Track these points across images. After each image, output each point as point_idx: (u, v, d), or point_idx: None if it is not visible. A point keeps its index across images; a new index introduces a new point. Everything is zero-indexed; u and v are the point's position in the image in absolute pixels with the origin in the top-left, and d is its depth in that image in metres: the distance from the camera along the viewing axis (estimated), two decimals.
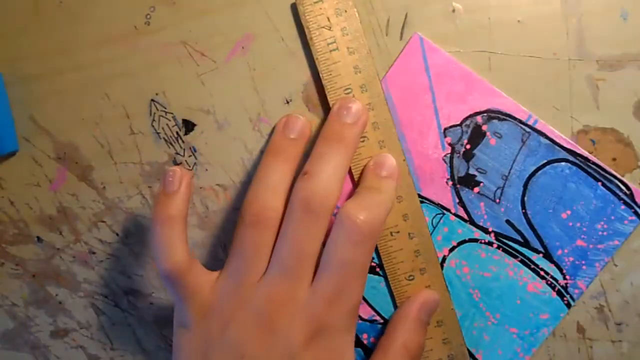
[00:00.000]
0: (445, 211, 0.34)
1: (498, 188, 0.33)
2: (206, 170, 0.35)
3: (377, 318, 0.35)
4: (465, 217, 0.34)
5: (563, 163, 0.33)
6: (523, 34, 0.32)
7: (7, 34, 0.35)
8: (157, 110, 0.35)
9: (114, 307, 0.37)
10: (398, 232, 0.33)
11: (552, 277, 0.34)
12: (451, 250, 0.34)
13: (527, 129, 0.33)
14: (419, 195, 0.34)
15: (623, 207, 0.32)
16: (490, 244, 0.34)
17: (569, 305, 0.34)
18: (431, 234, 0.34)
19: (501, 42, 0.32)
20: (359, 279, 0.30)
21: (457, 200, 0.34)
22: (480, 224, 0.34)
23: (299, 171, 0.30)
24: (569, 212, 0.33)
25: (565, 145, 0.32)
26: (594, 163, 0.32)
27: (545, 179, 0.33)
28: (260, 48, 0.34)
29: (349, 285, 0.29)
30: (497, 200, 0.33)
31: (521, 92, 0.32)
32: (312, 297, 0.29)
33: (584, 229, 0.33)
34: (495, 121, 0.33)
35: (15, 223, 0.36)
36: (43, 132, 0.35)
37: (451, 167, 0.34)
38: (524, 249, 0.34)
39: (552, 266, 0.33)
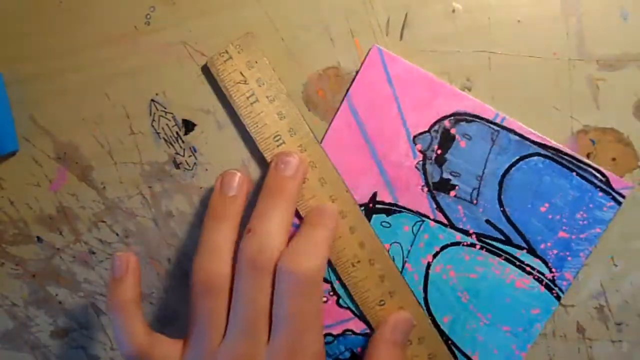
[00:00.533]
0: (424, 218, 0.34)
1: (474, 189, 0.33)
2: (206, 170, 0.35)
3: (369, 331, 0.35)
4: (445, 221, 0.34)
5: (535, 157, 0.33)
6: (523, 34, 0.32)
7: (7, 34, 0.35)
8: (157, 110, 0.35)
9: None
10: (358, 261, 0.34)
11: (538, 271, 0.34)
12: (435, 255, 0.34)
13: (496, 128, 0.33)
14: (397, 205, 0.34)
15: (600, 194, 0.32)
16: (472, 245, 0.34)
17: (558, 298, 0.34)
18: (413, 242, 0.34)
19: (501, 42, 0.32)
20: (314, 326, 0.30)
21: (435, 206, 0.34)
22: (461, 226, 0.34)
23: (245, 225, 0.31)
24: (547, 205, 0.33)
25: (535, 139, 0.32)
26: (566, 154, 0.32)
27: (519, 175, 0.33)
28: (260, 48, 0.34)
29: (305, 335, 0.29)
30: (475, 202, 0.34)
31: (521, 92, 0.32)
32: (272, 354, 0.29)
33: (564, 220, 0.33)
34: (463, 123, 0.33)
35: (15, 223, 0.36)
36: (43, 132, 0.35)
37: (425, 173, 0.34)
38: (507, 246, 0.34)
39: (537, 261, 0.34)
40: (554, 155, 0.32)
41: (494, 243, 0.34)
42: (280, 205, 0.31)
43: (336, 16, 0.33)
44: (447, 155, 0.33)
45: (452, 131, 0.33)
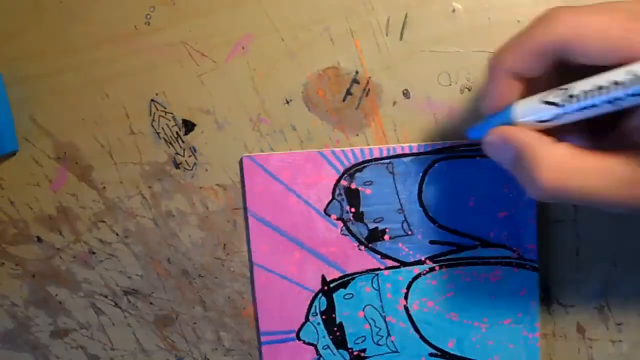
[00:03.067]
0: (376, 272, 0.35)
1: (402, 222, 0.34)
2: (206, 170, 0.35)
3: None
4: (397, 264, 0.34)
5: (436, 165, 0.33)
6: None
7: (7, 34, 0.35)
8: (157, 110, 0.35)
9: (114, 307, 0.37)
10: None
11: (502, 258, 0.34)
12: (406, 297, 0.35)
13: (386, 161, 0.33)
14: (347, 275, 0.35)
15: None
16: (432, 270, 0.34)
17: (536, 269, 0.34)
18: (380, 297, 0.35)
19: (501, 42, 0.32)
20: None
21: (380, 256, 0.34)
22: (412, 260, 0.34)
23: None
24: (473, 198, 0.33)
25: (425, 149, 0.33)
26: (458, 145, 0.33)
27: (433, 187, 0.33)
28: (260, 48, 0.34)
29: None
30: (410, 232, 0.34)
31: None
32: None
33: (495, 201, 0.33)
34: (357, 174, 0.34)
35: (15, 223, 0.36)
36: (43, 132, 0.35)
37: (353, 235, 0.34)
38: (462, 252, 0.34)
39: (495, 249, 0.34)
40: (449, 153, 0.33)
41: (449, 256, 0.34)
42: None
43: (336, 16, 0.33)
44: (362, 209, 0.34)
45: (352, 186, 0.34)
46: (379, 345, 0.35)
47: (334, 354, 0.36)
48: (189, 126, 0.35)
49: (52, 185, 0.36)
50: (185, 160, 0.35)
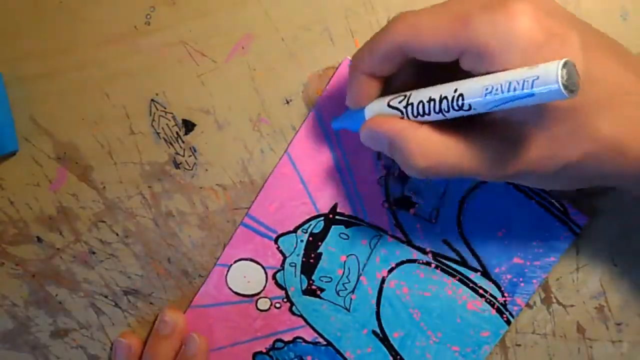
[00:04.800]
0: (382, 233, 0.34)
1: (434, 209, 0.34)
2: (206, 170, 0.35)
3: (320, 340, 0.35)
4: (403, 238, 0.34)
5: (490, 183, 0.33)
6: None
7: (7, 34, 0.35)
8: (157, 110, 0.35)
9: (114, 307, 0.37)
10: None
11: (490, 294, 0.34)
12: (390, 271, 0.35)
13: None
14: (356, 218, 0.34)
15: (557, 223, 0.33)
16: (428, 264, 0.34)
17: (508, 322, 0.34)
18: (369, 256, 0.34)
19: None
20: None
21: (394, 222, 0.34)
22: (418, 244, 0.34)
23: None
24: (504, 230, 0.33)
25: None
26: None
27: (479, 198, 0.33)
28: (260, 48, 0.34)
29: None
30: (434, 221, 0.34)
31: None
32: None
33: (520, 246, 0.33)
34: None
35: (15, 223, 0.36)
36: (43, 132, 0.35)
37: (387, 189, 0.34)
38: (462, 267, 0.34)
39: (491, 284, 0.34)
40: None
41: (450, 263, 0.34)
42: None
43: (336, 16, 0.33)
44: None
45: None
46: (338, 294, 0.35)
47: (294, 275, 0.35)
48: (189, 126, 0.35)
49: (52, 185, 0.36)
50: (185, 160, 0.35)
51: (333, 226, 0.34)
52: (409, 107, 0.26)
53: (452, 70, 0.25)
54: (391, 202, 0.34)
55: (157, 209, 0.36)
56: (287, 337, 0.36)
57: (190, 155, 0.35)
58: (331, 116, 0.33)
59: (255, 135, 0.34)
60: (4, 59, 0.35)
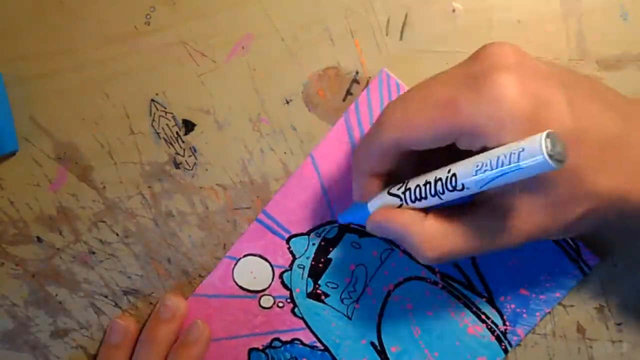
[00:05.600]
0: (394, 247, 0.34)
1: None
2: (206, 170, 0.35)
3: (318, 344, 0.35)
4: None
5: None
6: (523, 34, 0.32)
7: (7, 34, 0.35)
8: (157, 110, 0.35)
9: (114, 307, 0.37)
10: None
11: (492, 322, 0.34)
12: (397, 285, 0.35)
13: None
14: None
15: (568, 261, 0.33)
16: (435, 283, 0.34)
17: (506, 351, 0.34)
18: (378, 268, 0.35)
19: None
20: None
21: None
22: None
23: None
24: (515, 260, 0.33)
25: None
26: None
27: None
28: (260, 48, 0.34)
29: None
30: None
31: None
32: None
33: (528, 278, 0.33)
34: None
35: (15, 223, 0.36)
36: (43, 132, 0.35)
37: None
38: (468, 291, 0.34)
39: (494, 311, 0.34)
40: None
41: (457, 285, 0.34)
42: (148, 353, 0.35)
43: (336, 16, 0.33)
44: None
45: None
46: (342, 302, 0.35)
47: (301, 277, 0.35)
48: (189, 126, 0.35)
49: (52, 185, 0.36)
50: (186, 160, 0.35)
51: (347, 234, 0.35)
52: (407, 192, 0.27)
53: (453, 149, 0.26)
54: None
55: (157, 209, 0.36)
56: (286, 338, 0.36)
57: (190, 155, 0.35)
58: (360, 125, 0.33)
59: (255, 135, 0.34)
60: (4, 59, 0.35)
